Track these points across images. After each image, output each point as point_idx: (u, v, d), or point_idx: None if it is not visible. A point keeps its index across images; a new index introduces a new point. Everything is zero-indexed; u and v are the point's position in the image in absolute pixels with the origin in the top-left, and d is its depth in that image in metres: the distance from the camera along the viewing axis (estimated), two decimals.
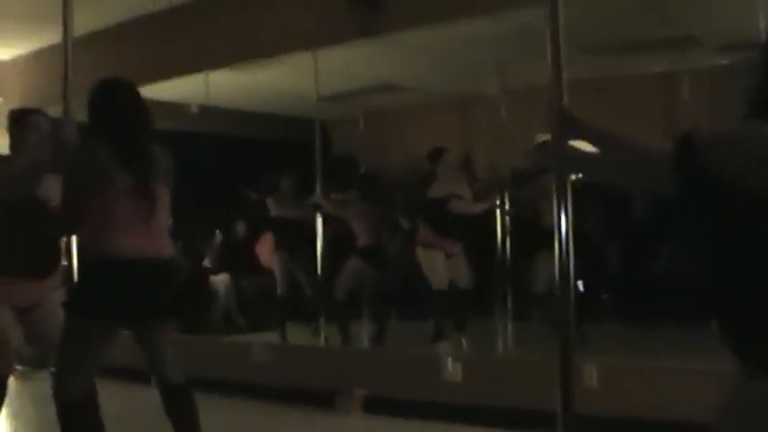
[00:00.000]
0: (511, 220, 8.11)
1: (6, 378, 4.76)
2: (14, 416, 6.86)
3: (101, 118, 3.84)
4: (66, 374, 3.80)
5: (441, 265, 7.44)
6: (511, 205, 8.08)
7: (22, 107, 5.15)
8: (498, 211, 8.06)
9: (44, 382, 8.55)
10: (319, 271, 8.15)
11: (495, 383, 5.84)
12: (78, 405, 3.78)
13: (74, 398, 3.76)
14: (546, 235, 6.91)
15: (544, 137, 2.70)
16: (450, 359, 5.96)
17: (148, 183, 3.77)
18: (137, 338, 3.98)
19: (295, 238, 8.61)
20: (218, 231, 10.29)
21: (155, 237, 3.81)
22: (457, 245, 7.58)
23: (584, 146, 2.43)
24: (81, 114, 4.08)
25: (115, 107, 3.84)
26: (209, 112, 9.79)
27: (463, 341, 7.36)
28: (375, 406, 6.26)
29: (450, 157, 7.70)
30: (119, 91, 3.91)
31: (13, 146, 4.67)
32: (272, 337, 8.46)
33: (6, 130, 4.69)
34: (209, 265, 9.97)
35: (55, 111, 8.83)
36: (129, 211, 3.71)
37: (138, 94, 3.95)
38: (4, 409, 5.21)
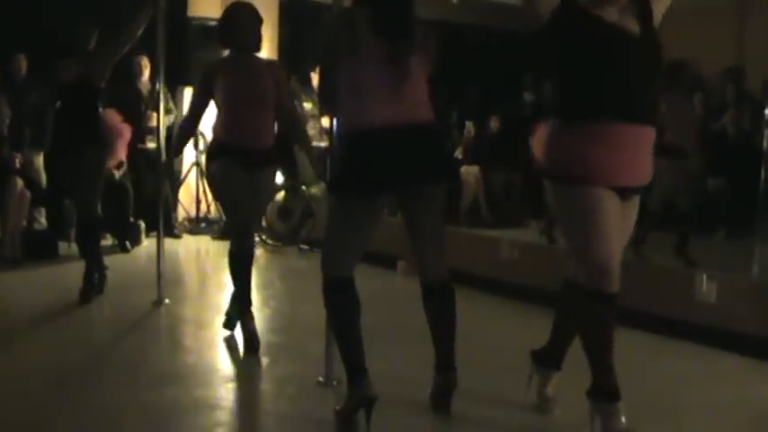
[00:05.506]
0: None
1: None
2: (264, 287, 7.13)
3: None
4: (334, 251, 3.79)
5: None
6: None
7: None
8: None
9: (291, 257, 8.91)
10: None
11: (748, 308, 5.49)
12: (342, 282, 3.76)
13: (340, 274, 3.75)
14: None
15: None
16: (705, 278, 5.64)
17: (402, 50, 3.61)
18: (407, 218, 3.86)
19: None
20: (470, 123, 10.15)
21: (406, 103, 3.63)
22: None
23: None
24: None
25: None
26: (470, 3, 9.64)
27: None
28: (623, 317, 6.04)
29: None
30: None
31: None
32: (517, 233, 8.33)
33: None
34: (460, 156, 9.88)
35: None
36: (378, 78, 3.59)
37: None
38: (255, 280, 5.34)
